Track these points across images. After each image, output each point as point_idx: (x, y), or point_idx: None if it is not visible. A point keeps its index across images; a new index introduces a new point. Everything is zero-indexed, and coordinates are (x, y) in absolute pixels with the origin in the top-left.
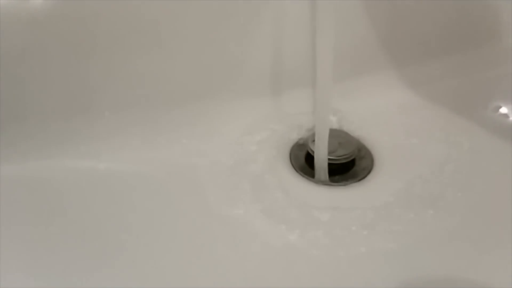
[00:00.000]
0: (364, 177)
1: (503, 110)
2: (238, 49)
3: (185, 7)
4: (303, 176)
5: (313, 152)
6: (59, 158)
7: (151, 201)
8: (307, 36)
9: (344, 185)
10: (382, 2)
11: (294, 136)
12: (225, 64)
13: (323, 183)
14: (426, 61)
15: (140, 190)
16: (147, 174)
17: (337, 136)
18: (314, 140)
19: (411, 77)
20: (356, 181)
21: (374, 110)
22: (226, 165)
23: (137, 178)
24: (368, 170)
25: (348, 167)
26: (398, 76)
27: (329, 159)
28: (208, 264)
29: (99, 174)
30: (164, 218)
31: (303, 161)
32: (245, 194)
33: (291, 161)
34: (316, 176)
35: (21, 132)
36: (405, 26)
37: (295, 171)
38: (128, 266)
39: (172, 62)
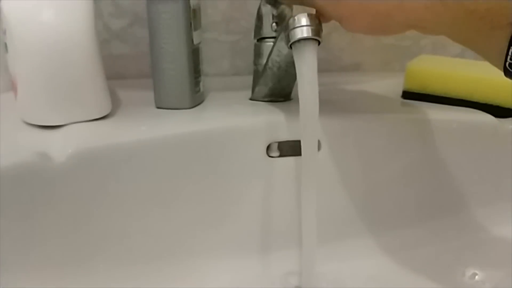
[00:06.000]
0: None
1: (479, 277)
2: (228, 211)
3: (182, 174)
4: None
5: None
6: None
7: None
8: (293, 203)
9: None
10: (359, 175)
11: None
12: (216, 224)
13: None
14: (402, 229)
15: None
16: None
17: None
18: None
19: (389, 243)
20: None
21: (356, 273)
22: None
23: None
24: None
25: None
26: (377, 242)
27: None
28: None
29: None
30: None
31: None
32: None
33: None
34: None
35: (14, 278)
36: (381, 196)
37: None
38: None
39: (165, 223)
